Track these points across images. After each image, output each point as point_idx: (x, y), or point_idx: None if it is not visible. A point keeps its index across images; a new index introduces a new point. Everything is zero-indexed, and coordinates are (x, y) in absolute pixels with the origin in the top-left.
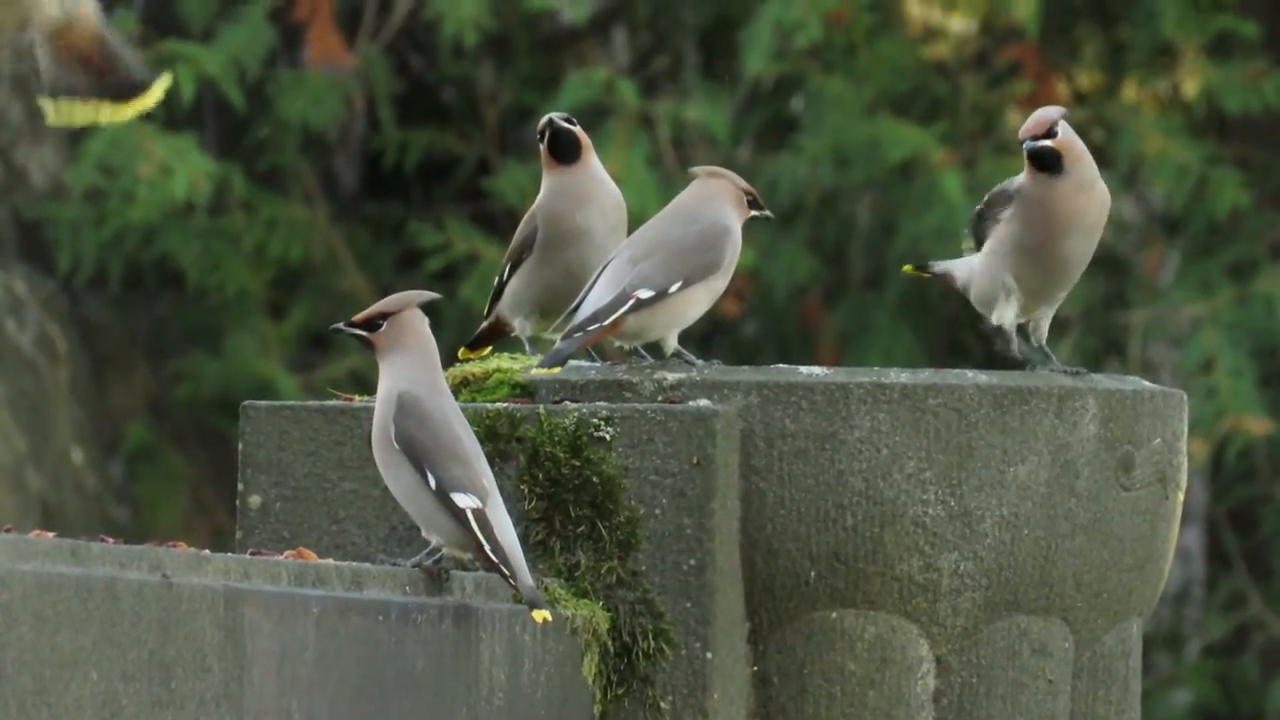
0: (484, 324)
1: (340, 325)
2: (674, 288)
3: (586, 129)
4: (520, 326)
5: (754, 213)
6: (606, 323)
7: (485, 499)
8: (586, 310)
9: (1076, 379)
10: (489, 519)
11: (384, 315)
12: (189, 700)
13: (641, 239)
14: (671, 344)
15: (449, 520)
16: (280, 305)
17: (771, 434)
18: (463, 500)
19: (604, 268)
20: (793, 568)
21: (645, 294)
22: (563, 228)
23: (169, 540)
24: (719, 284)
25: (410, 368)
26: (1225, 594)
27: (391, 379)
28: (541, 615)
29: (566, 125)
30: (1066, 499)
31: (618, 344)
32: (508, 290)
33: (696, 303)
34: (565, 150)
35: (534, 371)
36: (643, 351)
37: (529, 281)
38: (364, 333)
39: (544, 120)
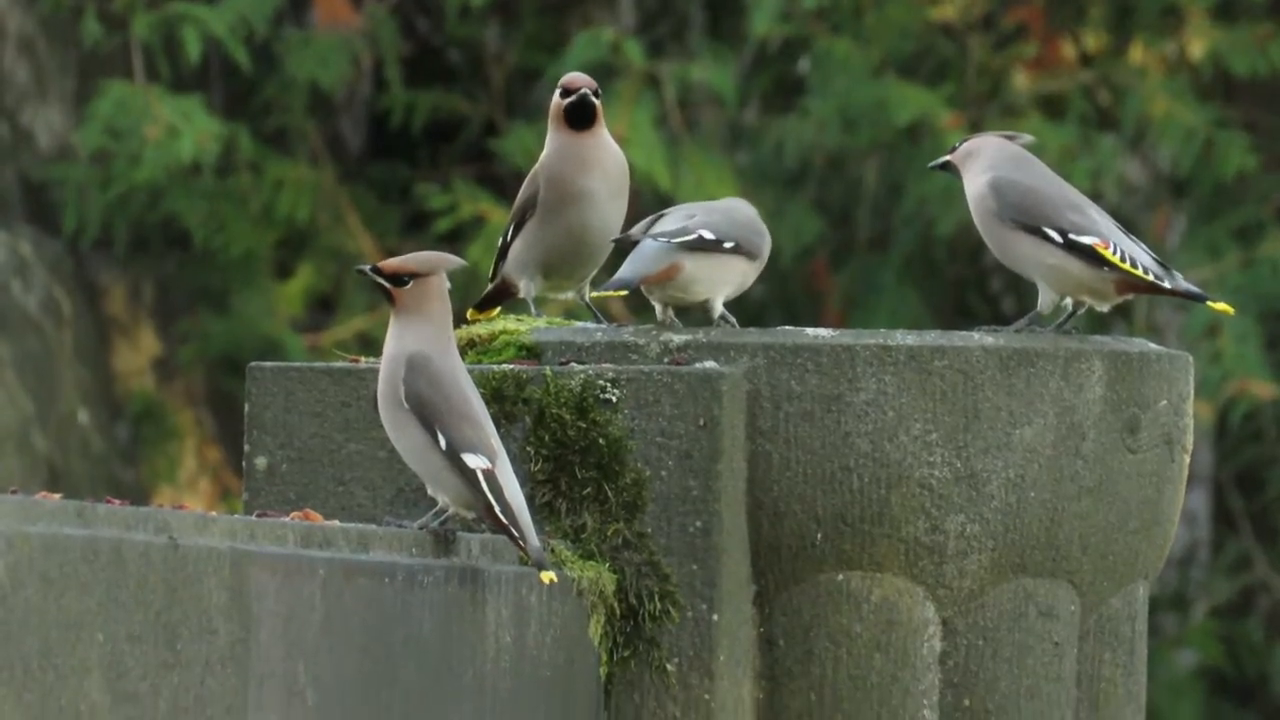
0: (490, 285)
1: (366, 268)
2: (728, 244)
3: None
4: (525, 287)
5: None
6: (680, 240)
7: (494, 460)
8: (656, 230)
9: (1080, 341)
10: (499, 480)
11: (413, 274)
12: (195, 662)
13: (689, 207)
14: (718, 307)
15: (458, 480)
16: (287, 266)
17: (778, 396)
18: (473, 460)
19: (654, 219)
20: (799, 530)
21: (709, 235)
22: (565, 189)
23: (175, 502)
24: (754, 271)
25: (424, 331)
26: (1231, 556)
27: (401, 339)
28: (548, 576)
29: (595, 99)
30: (1073, 461)
31: (658, 305)
32: (511, 250)
33: (741, 272)
34: (586, 120)
35: (590, 296)
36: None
37: (531, 242)
38: (389, 285)
39: (578, 86)
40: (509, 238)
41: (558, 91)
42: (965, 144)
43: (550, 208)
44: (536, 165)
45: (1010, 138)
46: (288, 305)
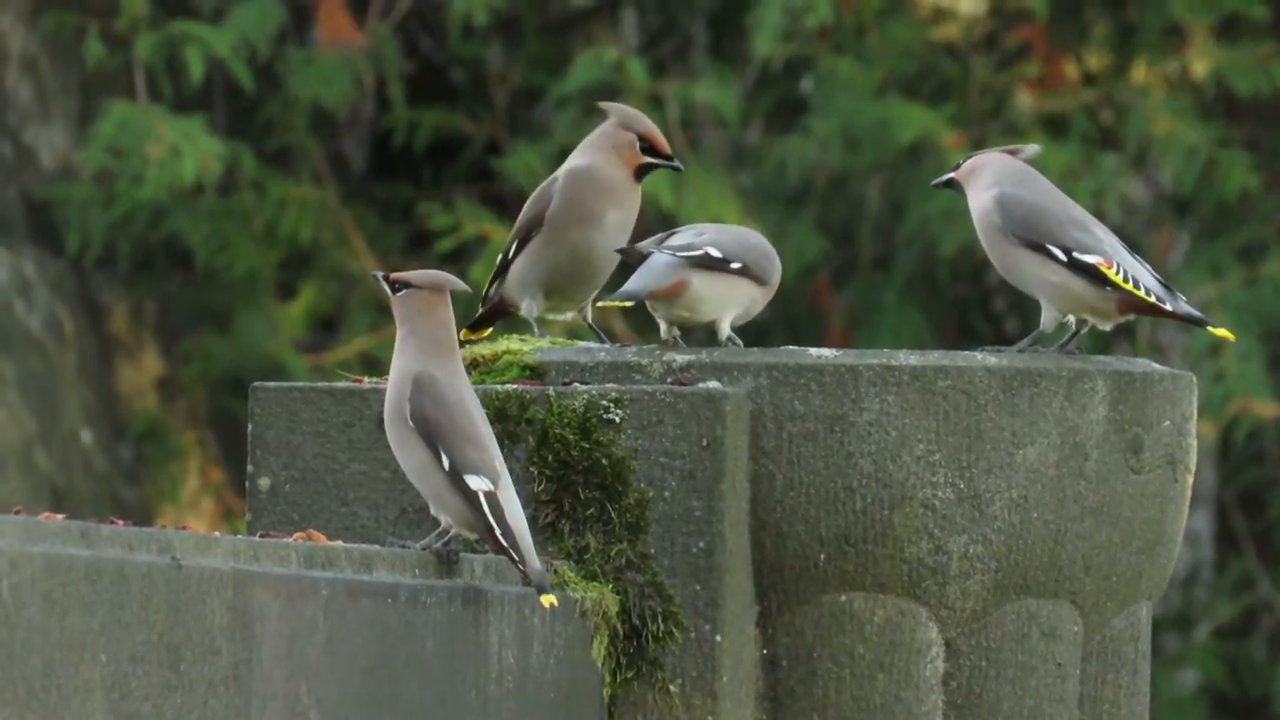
0: (485, 305)
1: (379, 274)
2: (735, 265)
3: (595, 109)
4: (527, 306)
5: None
6: (687, 254)
7: (497, 481)
8: (670, 244)
9: (1084, 361)
10: (500, 502)
11: (406, 284)
12: (198, 682)
13: (700, 226)
14: (725, 329)
15: (460, 501)
16: (289, 286)
17: (781, 416)
18: (475, 482)
19: (664, 236)
20: (802, 550)
21: (715, 253)
22: (579, 210)
23: (178, 522)
24: (762, 298)
25: (425, 349)
26: (1234, 576)
27: (406, 358)
28: (549, 600)
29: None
30: (1076, 482)
31: (664, 323)
32: (514, 268)
33: (749, 295)
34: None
35: (596, 305)
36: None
37: (535, 260)
38: (386, 287)
39: (668, 153)
40: (510, 255)
41: (634, 136)
42: (969, 160)
43: (559, 226)
44: (545, 183)
45: (1013, 151)
46: (290, 325)
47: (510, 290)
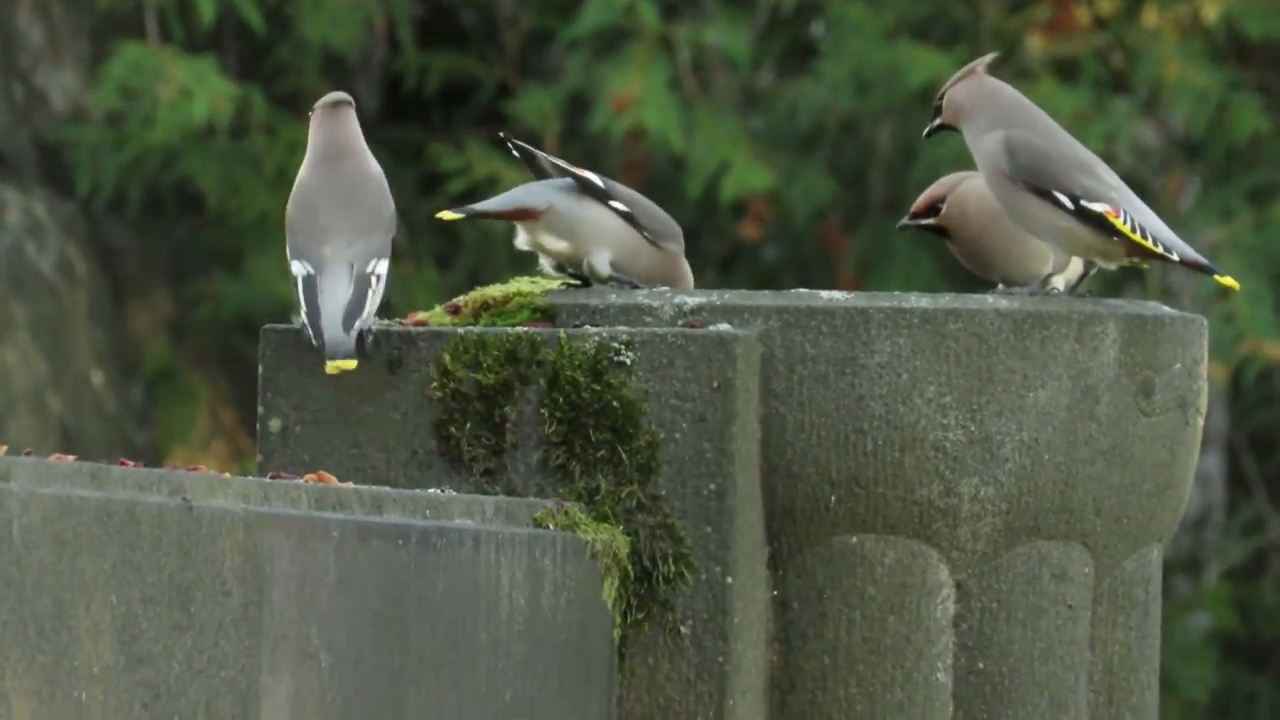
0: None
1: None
2: (618, 204)
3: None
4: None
5: None
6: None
7: (322, 268)
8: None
9: (1095, 304)
10: (317, 286)
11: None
12: (208, 624)
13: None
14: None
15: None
16: None
17: (792, 358)
18: (297, 268)
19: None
20: (813, 492)
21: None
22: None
23: (189, 464)
24: (655, 257)
25: (312, 154)
26: (1245, 518)
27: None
28: (335, 366)
29: None
30: (1087, 424)
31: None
32: (603, 216)
33: (629, 240)
34: None
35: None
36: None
37: (632, 234)
38: None
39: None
40: (610, 204)
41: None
42: (952, 95)
43: (659, 257)
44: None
45: (973, 73)
46: None
47: (582, 238)
